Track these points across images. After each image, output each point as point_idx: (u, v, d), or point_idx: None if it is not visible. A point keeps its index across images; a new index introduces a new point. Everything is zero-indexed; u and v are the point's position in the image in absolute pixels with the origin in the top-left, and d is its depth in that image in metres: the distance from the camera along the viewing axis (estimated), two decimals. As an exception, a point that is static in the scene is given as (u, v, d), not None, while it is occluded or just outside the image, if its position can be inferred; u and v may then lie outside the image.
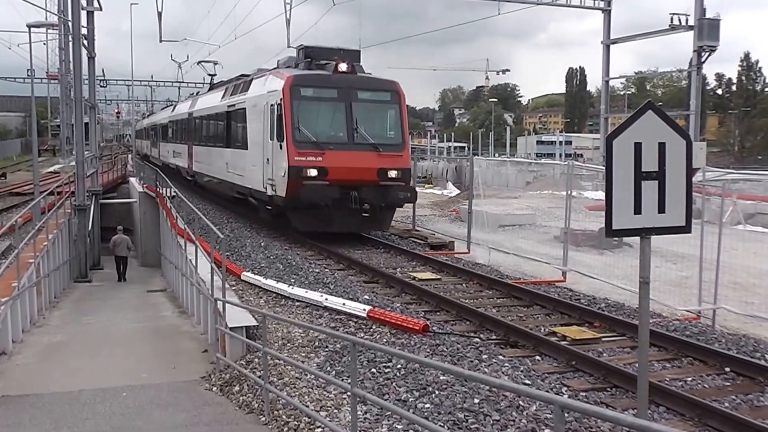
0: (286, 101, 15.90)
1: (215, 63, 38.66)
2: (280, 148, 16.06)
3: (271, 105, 16.73)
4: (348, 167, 15.84)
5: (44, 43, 49.97)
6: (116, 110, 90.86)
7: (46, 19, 32.27)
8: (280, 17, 31.03)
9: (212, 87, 29.33)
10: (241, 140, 20.00)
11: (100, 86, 51.19)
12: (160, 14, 37.03)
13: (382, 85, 17.31)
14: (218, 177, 23.00)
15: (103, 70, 53.44)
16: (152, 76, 71.50)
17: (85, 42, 22.46)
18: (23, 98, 71.64)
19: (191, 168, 28.81)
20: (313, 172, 15.68)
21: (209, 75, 37.62)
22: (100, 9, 23.15)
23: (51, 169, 46.30)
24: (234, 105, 21.05)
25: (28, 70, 37.28)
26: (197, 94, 33.39)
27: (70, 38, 22.49)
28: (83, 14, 22.03)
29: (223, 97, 23.27)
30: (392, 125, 17.15)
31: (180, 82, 65.28)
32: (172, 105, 44.14)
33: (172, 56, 64.61)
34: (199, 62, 38.64)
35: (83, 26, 21.97)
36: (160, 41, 39.46)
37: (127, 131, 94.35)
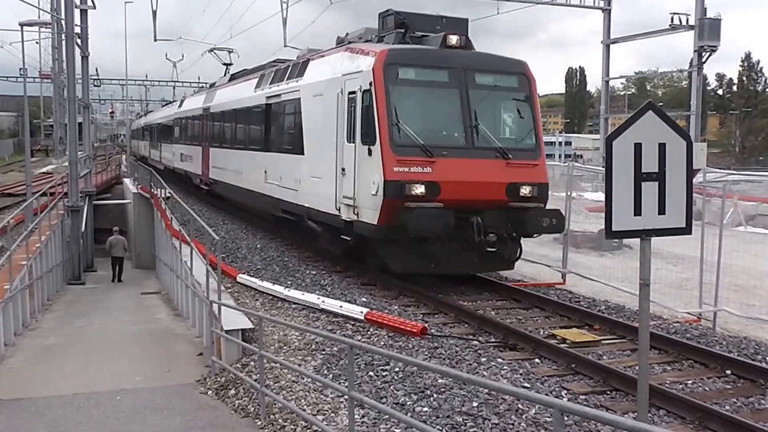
0: (379, 86, 11.46)
1: (230, 51, 33.48)
2: (369, 153, 11.53)
3: (351, 93, 12.31)
4: (467, 182, 11.45)
5: (37, 42, 49.90)
6: (110, 110, 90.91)
7: (39, 17, 32.25)
8: (277, 16, 30.90)
9: (234, 77, 24.36)
10: (290, 142, 15.50)
11: (94, 86, 51.18)
12: (154, 13, 36.90)
13: (508, 66, 12.78)
14: (251, 189, 18.41)
15: (96, 69, 53.48)
16: (147, 76, 71.48)
17: (79, 41, 22.47)
18: (15, 97, 71.64)
19: (207, 175, 24.22)
20: (420, 189, 11.17)
21: (224, 64, 32.56)
22: (94, 7, 23.18)
23: (44, 169, 46.26)
24: (279, 95, 16.48)
25: (20, 69, 37.28)
26: (211, 86, 28.38)
27: (63, 37, 22.53)
28: (77, 12, 22.04)
29: (258, 86, 18.71)
30: (523, 122, 12.61)
31: (175, 81, 65.39)
32: (175, 101, 41.47)
33: (167, 55, 64.31)
34: (212, 50, 33.98)
35: (76, 25, 21.98)
36: (155, 40, 39.33)
37: (121, 131, 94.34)
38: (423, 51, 12.45)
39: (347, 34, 14.91)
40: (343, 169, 12.47)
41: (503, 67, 12.77)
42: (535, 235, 12.19)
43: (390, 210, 11.12)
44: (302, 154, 14.63)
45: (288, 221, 16.12)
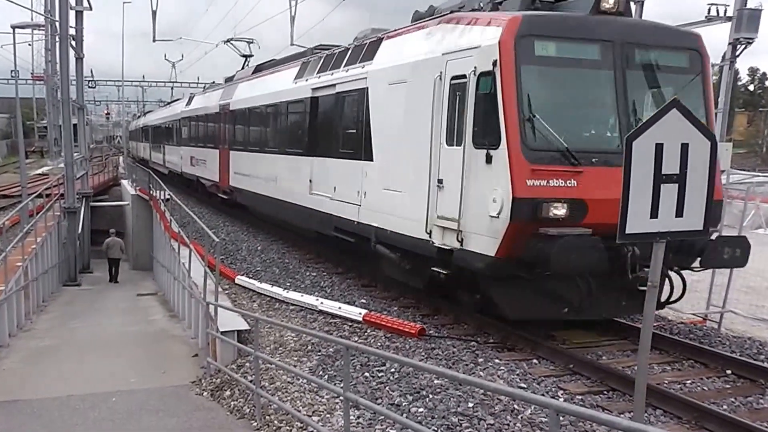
0: (508, 66, 8.66)
1: (250, 41, 30.66)
2: (486, 160, 8.80)
3: (456, 78, 9.48)
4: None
5: (29, 44, 50.52)
6: (106, 111, 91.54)
7: (32, 19, 32.63)
8: (282, 16, 31.01)
9: (260, 68, 21.63)
10: (350, 144, 12.73)
11: (89, 87, 51.61)
12: (154, 13, 37.29)
13: (678, 39, 9.79)
14: (288, 200, 15.95)
15: (91, 71, 53.98)
16: (144, 77, 72.28)
17: (73, 42, 22.73)
18: (8, 99, 72.15)
19: (226, 182, 21.75)
20: (561, 211, 8.48)
21: (243, 56, 30.04)
22: (90, 8, 23.41)
23: (39, 171, 46.72)
24: (332, 86, 13.63)
25: (11, 71, 37.75)
26: (229, 80, 25.66)
27: (57, 39, 22.82)
28: (72, 14, 22.34)
29: (299, 77, 15.89)
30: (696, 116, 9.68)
31: (173, 81, 66.05)
32: (179, 99, 40.13)
33: (165, 56, 64.99)
34: (228, 40, 31.09)
35: (71, 26, 22.25)
36: (154, 40, 39.70)
37: (117, 132, 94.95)
38: (568, 19, 9.34)
39: (431, 6, 11.85)
40: (439, 181, 9.75)
41: (672, 40, 9.73)
42: (697, 269, 9.37)
43: (518, 238, 8.46)
44: (369, 159, 11.90)
45: (341, 241, 13.30)
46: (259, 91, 19.01)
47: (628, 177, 5.33)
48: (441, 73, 9.76)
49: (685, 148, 5.39)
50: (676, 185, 5.37)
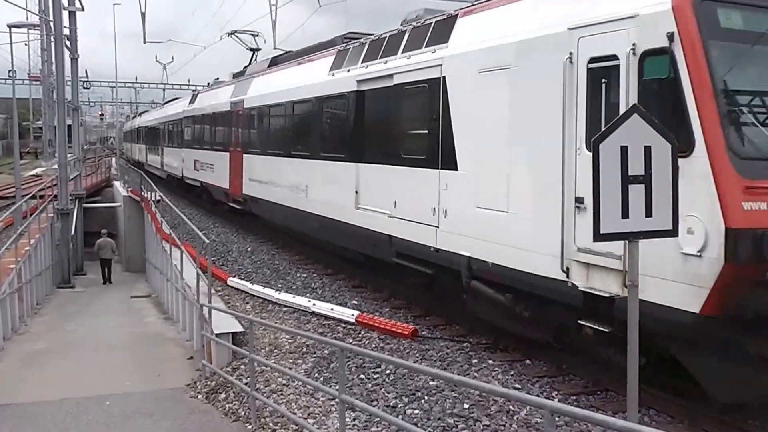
0: (692, 42, 6.21)
1: (255, 34, 27.67)
2: None
3: (597, 60, 7.04)
4: None
5: (26, 44, 49.86)
6: (100, 112, 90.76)
7: (27, 19, 32.15)
8: (266, 19, 30.52)
9: (276, 62, 18.69)
10: (419, 148, 10.08)
11: (83, 88, 51.05)
12: (143, 15, 36.91)
13: None
14: (326, 215, 13.10)
15: (86, 72, 53.41)
16: (136, 78, 71.78)
17: (68, 43, 22.42)
18: (4, 99, 71.30)
19: (239, 190, 18.79)
20: None
21: (250, 50, 27.22)
22: (82, 9, 23.15)
23: (33, 172, 46.10)
24: (388, 77, 10.93)
25: (9, 71, 37.21)
26: (237, 75, 22.47)
27: (52, 39, 22.49)
28: (65, 14, 22.01)
29: (336, 67, 13.12)
30: None
31: (165, 83, 65.66)
32: (178, 98, 37.74)
33: (156, 57, 64.56)
34: (233, 32, 28.07)
35: (65, 27, 21.96)
36: (144, 42, 39.35)
37: (111, 133, 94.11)
38: None
39: None
40: (578, 200, 7.10)
41: None
42: None
43: (735, 287, 5.91)
44: (451, 168, 9.25)
45: (403, 268, 10.64)
46: (282, 85, 16.12)
47: (597, 178, 5.43)
48: (571, 54, 7.24)
49: (648, 150, 5.47)
50: (643, 186, 5.45)
